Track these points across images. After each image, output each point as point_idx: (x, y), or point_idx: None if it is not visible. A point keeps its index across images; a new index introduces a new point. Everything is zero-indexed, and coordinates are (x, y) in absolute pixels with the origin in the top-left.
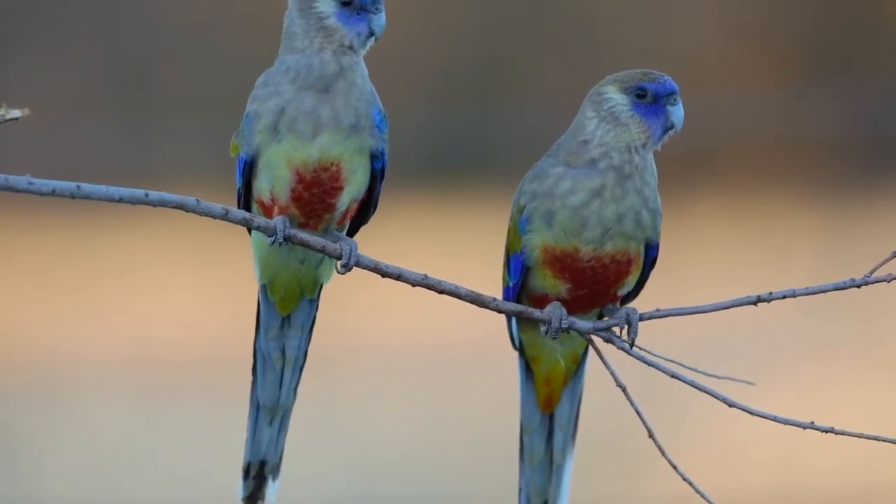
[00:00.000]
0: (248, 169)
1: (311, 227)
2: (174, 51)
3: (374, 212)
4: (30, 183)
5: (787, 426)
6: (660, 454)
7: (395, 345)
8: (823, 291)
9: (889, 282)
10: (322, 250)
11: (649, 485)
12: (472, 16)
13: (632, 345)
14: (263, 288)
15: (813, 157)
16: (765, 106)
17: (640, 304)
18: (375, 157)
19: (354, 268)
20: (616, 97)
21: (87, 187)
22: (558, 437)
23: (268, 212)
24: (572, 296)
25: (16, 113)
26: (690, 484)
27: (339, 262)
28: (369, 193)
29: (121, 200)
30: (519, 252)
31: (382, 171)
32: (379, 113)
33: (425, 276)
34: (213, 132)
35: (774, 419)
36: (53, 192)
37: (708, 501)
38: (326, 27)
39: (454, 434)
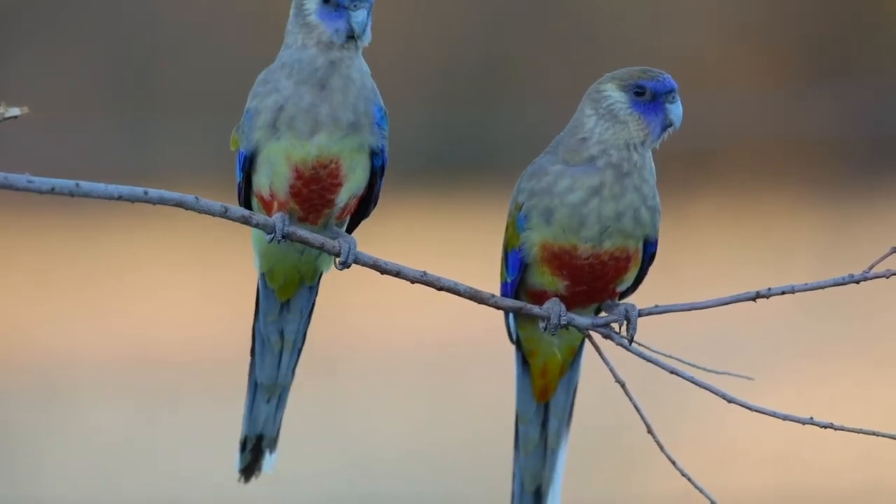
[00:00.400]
0: (248, 164)
1: (311, 222)
2: (174, 51)
3: (374, 207)
4: (29, 181)
5: (786, 422)
6: (659, 450)
7: (394, 342)
8: (822, 287)
9: (888, 278)
10: (321, 248)
11: (648, 481)
12: (472, 16)
13: (631, 341)
14: (263, 275)
15: (813, 157)
16: (765, 106)
17: (639, 301)
18: (375, 155)
19: (353, 265)
20: (615, 95)
21: (85, 185)
22: (553, 424)
23: (267, 207)
24: (570, 292)
25: (15, 111)
26: (689, 480)
27: (337, 259)
28: (369, 189)
29: (120, 198)
30: (517, 249)
31: (382, 168)
32: (380, 110)
33: (424, 272)
34: (212, 132)
35: (773, 415)
36: (52, 191)
37: (707, 497)
38: (308, 24)
39: (454, 432)
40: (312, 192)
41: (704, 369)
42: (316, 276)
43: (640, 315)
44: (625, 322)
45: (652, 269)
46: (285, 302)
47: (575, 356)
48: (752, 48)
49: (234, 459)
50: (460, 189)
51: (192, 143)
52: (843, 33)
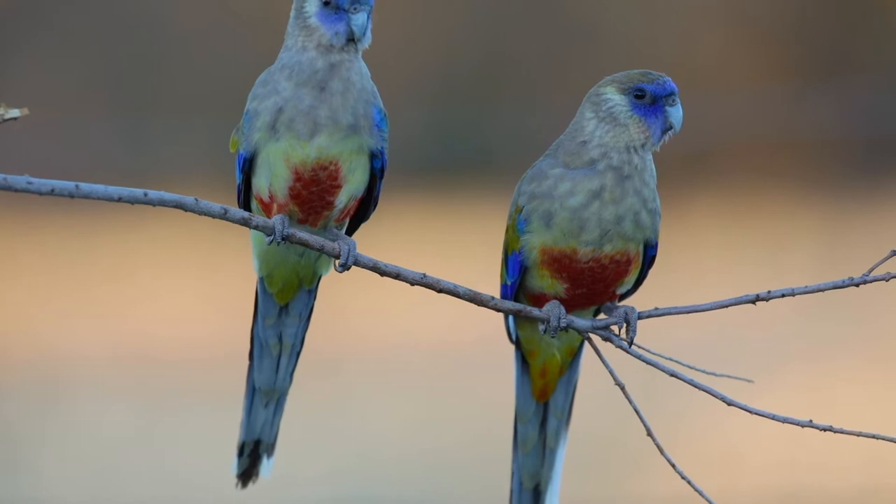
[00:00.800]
0: (248, 166)
1: (311, 224)
2: (174, 51)
3: (374, 209)
4: (29, 183)
5: (786, 425)
6: (658, 452)
7: (393, 344)
8: (822, 290)
9: (887, 281)
10: (321, 250)
11: (647, 483)
12: (472, 16)
13: (630, 343)
14: (262, 279)
15: (812, 157)
16: (764, 106)
17: (639, 303)
18: (375, 157)
19: (353, 267)
20: (615, 98)
21: (85, 187)
22: (552, 423)
23: (267, 209)
24: (570, 295)
25: (15, 112)
26: (689, 482)
27: (337, 262)
28: (369, 191)
29: (120, 200)
30: (517, 252)
31: (382, 169)
32: (379, 112)
33: (424, 275)
34: (212, 132)
35: (773, 417)
36: (52, 192)
37: (706, 499)
38: (308, 26)
39: (453, 433)
40: (312, 193)
41: (704, 372)
42: (315, 280)
43: (639, 317)
44: (624, 324)
45: (651, 270)
46: (284, 306)
47: (574, 356)
48: (752, 49)
49: (232, 462)
50: (460, 190)
51: (192, 144)
52: (843, 33)
